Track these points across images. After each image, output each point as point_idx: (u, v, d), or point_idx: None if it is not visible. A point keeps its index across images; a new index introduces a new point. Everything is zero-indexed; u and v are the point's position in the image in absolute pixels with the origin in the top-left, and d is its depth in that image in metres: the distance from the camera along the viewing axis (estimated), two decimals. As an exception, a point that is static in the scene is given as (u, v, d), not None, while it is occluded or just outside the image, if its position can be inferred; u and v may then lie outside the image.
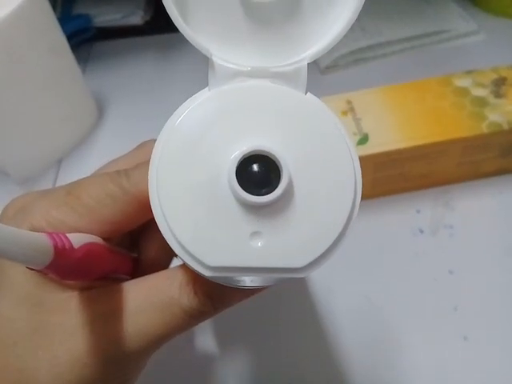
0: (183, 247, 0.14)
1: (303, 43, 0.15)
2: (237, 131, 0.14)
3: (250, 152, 0.13)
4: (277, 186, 0.13)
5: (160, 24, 0.52)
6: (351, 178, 0.14)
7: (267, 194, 0.13)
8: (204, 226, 0.14)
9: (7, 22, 0.32)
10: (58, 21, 0.38)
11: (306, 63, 0.15)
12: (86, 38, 0.52)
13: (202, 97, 0.15)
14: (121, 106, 0.46)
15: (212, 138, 0.14)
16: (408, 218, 0.34)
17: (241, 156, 0.13)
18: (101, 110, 0.46)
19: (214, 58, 0.15)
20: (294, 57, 0.15)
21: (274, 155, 0.13)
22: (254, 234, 0.14)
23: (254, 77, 0.15)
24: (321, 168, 0.14)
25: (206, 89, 0.15)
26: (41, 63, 0.36)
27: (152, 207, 0.14)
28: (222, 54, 0.15)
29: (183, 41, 0.15)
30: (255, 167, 0.14)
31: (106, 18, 0.52)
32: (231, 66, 0.15)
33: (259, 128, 0.14)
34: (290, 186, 0.14)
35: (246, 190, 0.13)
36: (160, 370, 0.27)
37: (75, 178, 0.19)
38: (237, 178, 0.13)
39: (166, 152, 0.14)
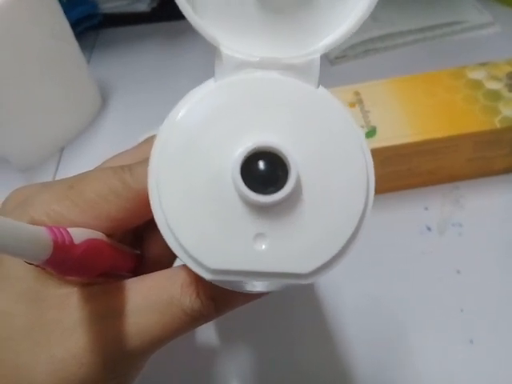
0: (184, 248, 0.13)
1: (316, 33, 0.14)
2: (243, 126, 0.13)
3: (255, 148, 0.13)
4: (284, 185, 0.12)
5: (167, 11, 0.51)
6: (363, 178, 0.13)
7: (273, 192, 0.12)
8: (206, 226, 0.13)
9: (8, 6, 0.32)
10: (64, 7, 0.38)
11: (318, 55, 0.14)
12: (92, 25, 0.51)
13: (207, 88, 0.14)
14: (126, 94, 0.46)
15: (216, 133, 0.13)
16: (415, 215, 0.33)
17: (246, 152, 0.13)
18: (105, 97, 0.45)
19: (222, 48, 0.14)
20: (306, 48, 0.14)
21: (281, 152, 0.13)
22: (259, 235, 0.13)
23: (263, 68, 0.14)
24: (331, 167, 0.13)
25: (212, 80, 0.14)
26: (43, 49, 0.36)
27: (152, 206, 0.14)
28: (230, 44, 0.14)
29: (191, 28, 0.14)
30: (261, 164, 0.13)
31: (112, 4, 0.52)
32: (239, 55, 0.14)
33: (267, 123, 0.13)
34: (297, 184, 0.13)
35: (251, 189, 0.12)
36: (159, 369, 0.27)
37: (77, 167, 0.19)
38: (242, 176, 0.12)
39: (167, 148, 0.13)
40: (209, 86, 0.14)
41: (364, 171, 0.13)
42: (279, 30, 0.14)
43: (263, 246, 0.13)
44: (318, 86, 0.14)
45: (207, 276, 0.13)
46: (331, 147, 0.13)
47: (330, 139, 0.13)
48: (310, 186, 0.13)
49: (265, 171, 0.13)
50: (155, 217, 0.14)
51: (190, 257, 0.13)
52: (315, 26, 0.14)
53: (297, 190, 0.13)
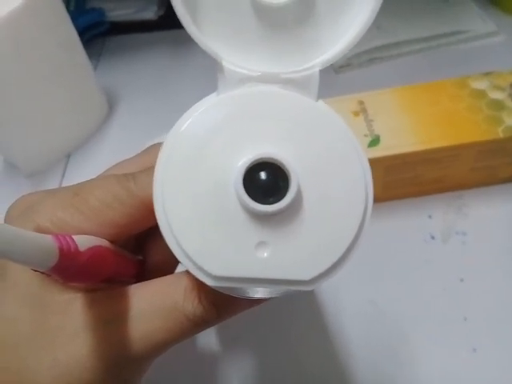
0: (187, 255, 0.13)
1: (316, 49, 0.15)
2: (245, 138, 0.14)
3: (257, 159, 0.13)
4: (285, 195, 0.13)
5: (174, 19, 0.51)
6: (362, 188, 0.14)
7: (275, 202, 0.13)
8: (209, 234, 0.13)
9: (16, 15, 0.32)
10: (71, 15, 0.38)
11: (317, 70, 0.15)
12: (99, 33, 0.52)
13: (210, 102, 0.15)
14: (132, 102, 0.46)
15: (219, 145, 0.14)
16: (419, 223, 0.33)
17: (248, 163, 0.13)
18: (112, 104, 0.46)
19: (224, 63, 0.14)
20: (305, 63, 0.15)
21: (282, 163, 0.13)
22: (261, 243, 0.13)
23: (264, 82, 0.15)
24: (330, 177, 0.14)
25: (214, 94, 0.15)
26: (50, 57, 0.36)
27: (156, 214, 0.14)
28: (232, 59, 0.15)
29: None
30: (263, 175, 0.13)
31: (119, 12, 0.52)
32: (241, 70, 0.15)
33: (268, 135, 0.14)
34: (298, 194, 0.13)
35: (253, 199, 0.13)
36: (161, 373, 0.27)
37: (83, 173, 0.19)
38: (244, 186, 0.13)
39: (172, 158, 0.14)
40: (212, 99, 0.15)
41: (362, 181, 0.14)
42: (279, 46, 0.15)
43: (265, 254, 0.13)
44: (318, 99, 0.15)
45: (210, 282, 0.14)
46: (330, 158, 0.14)
47: (329, 151, 0.14)
48: (311, 196, 0.13)
49: (266, 181, 0.13)
50: (160, 224, 0.14)
51: (194, 264, 0.14)
52: (314, 42, 0.15)
53: (297, 200, 0.13)
